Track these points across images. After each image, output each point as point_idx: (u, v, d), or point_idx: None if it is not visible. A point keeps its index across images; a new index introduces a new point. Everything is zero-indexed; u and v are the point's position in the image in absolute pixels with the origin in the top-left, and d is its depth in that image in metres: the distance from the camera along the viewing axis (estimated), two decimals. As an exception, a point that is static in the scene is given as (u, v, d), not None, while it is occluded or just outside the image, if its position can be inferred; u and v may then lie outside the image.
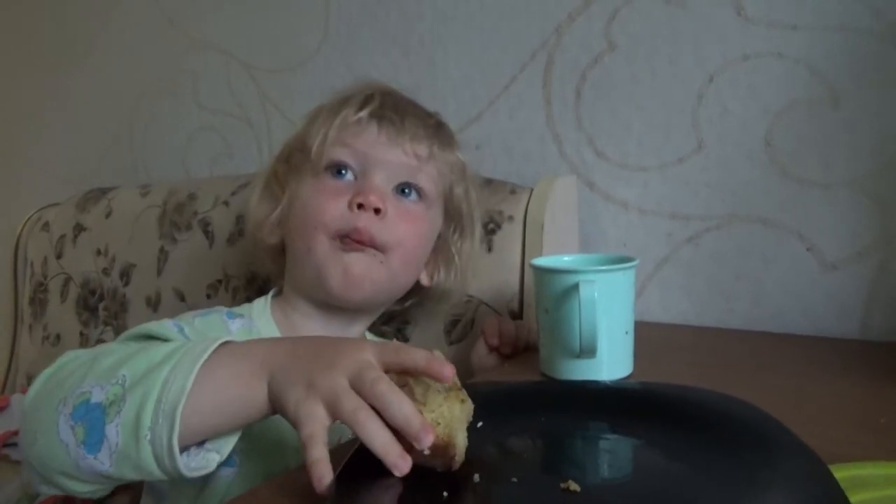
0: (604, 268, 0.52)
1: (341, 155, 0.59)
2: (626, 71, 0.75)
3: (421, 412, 0.35)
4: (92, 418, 0.39)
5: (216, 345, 0.40)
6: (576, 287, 0.50)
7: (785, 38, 0.67)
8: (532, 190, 0.73)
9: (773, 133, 0.69)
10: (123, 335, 0.50)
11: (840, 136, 0.66)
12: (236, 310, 0.60)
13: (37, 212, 1.13)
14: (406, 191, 0.60)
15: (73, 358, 0.44)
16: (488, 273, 0.71)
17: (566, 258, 0.60)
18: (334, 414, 0.36)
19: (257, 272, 0.82)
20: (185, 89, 1.13)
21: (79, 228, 1.03)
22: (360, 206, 0.57)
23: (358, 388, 0.36)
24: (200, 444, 0.41)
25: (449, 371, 0.36)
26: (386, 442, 0.34)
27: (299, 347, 0.41)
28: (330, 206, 0.57)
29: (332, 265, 0.57)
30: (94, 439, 0.38)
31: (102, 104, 1.24)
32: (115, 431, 0.38)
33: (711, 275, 0.72)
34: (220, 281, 0.86)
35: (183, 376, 0.38)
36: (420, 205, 0.61)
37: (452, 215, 0.66)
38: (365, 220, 0.56)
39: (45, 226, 1.08)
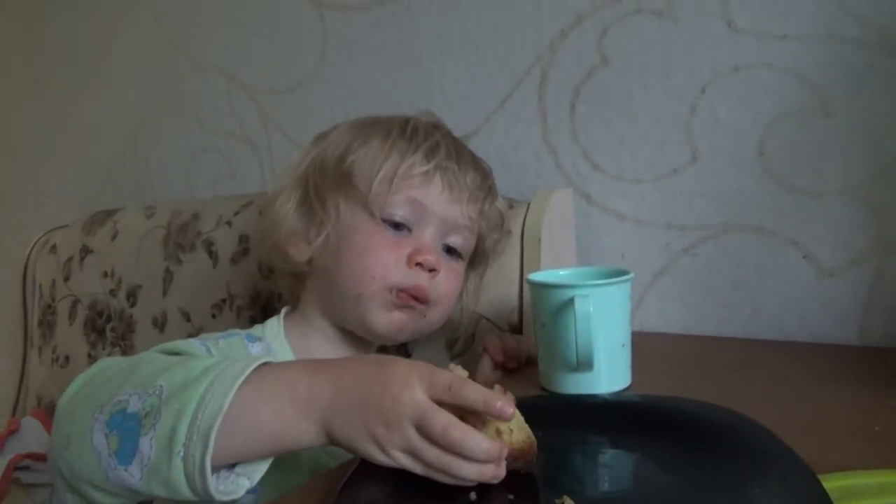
0: (598, 282, 0.53)
1: (405, 210, 0.59)
2: (619, 84, 0.76)
3: (497, 429, 0.37)
4: (127, 428, 0.38)
5: (255, 365, 0.40)
6: (571, 302, 0.50)
7: (775, 48, 0.68)
8: (529, 204, 0.74)
9: (766, 142, 0.69)
10: (158, 347, 0.49)
11: (832, 144, 0.66)
12: (253, 332, 0.61)
13: (44, 234, 1.14)
14: (449, 251, 0.62)
15: (111, 364, 0.44)
16: (487, 287, 0.72)
17: (562, 272, 0.60)
18: (419, 459, 0.37)
19: (261, 291, 0.84)
20: (188, 111, 1.14)
21: (85, 251, 1.05)
22: (418, 264, 0.58)
23: (428, 437, 0.37)
24: (231, 466, 0.40)
25: (509, 409, 0.37)
26: (476, 470, 0.36)
27: (342, 383, 0.39)
28: (390, 260, 0.58)
29: (380, 314, 0.59)
30: (126, 450, 0.38)
31: (107, 127, 1.26)
32: (148, 445, 0.38)
33: (709, 284, 0.73)
34: (224, 300, 0.87)
35: (221, 395, 0.38)
36: (461, 262, 0.64)
37: (473, 256, 0.67)
38: (423, 279, 0.58)
39: (53, 248, 1.10)
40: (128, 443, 0.38)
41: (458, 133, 0.67)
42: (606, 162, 0.78)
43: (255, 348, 0.58)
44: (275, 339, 0.61)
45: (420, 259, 0.58)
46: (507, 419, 0.37)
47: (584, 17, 0.78)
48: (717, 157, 0.72)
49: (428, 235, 0.60)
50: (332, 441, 0.39)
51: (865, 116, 0.65)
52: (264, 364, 0.41)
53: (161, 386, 0.39)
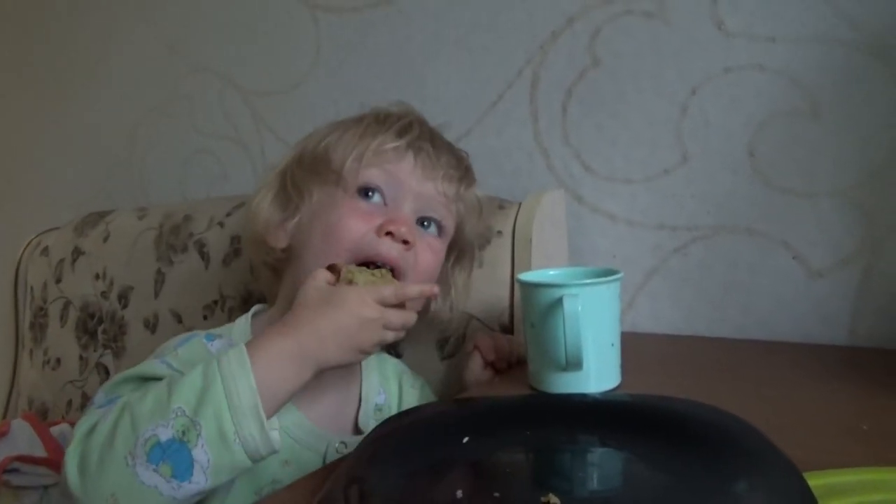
0: (587, 281, 0.53)
1: (377, 178, 0.58)
2: (610, 86, 0.77)
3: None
4: (173, 452, 0.43)
5: (244, 350, 0.47)
6: (560, 301, 0.50)
7: (765, 50, 0.68)
8: (520, 205, 0.74)
9: (757, 144, 0.70)
10: (118, 378, 0.50)
11: (822, 146, 0.67)
12: (215, 331, 0.60)
13: (36, 237, 1.14)
14: (426, 224, 0.61)
15: (92, 422, 0.45)
16: (479, 288, 0.71)
17: (552, 272, 0.60)
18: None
19: (253, 292, 0.83)
20: (182, 114, 1.14)
21: (77, 252, 1.04)
22: (388, 233, 0.56)
23: (393, 328, 0.51)
24: None
25: (437, 288, 0.56)
26: (413, 312, 0.53)
27: (321, 329, 0.48)
28: (359, 230, 0.56)
29: None
30: (182, 467, 0.43)
31: (102, 129, 1.26)
32: (202, 452, 0.43)
33: (700, 285, 0.73)
34: (216, 301, 0.86)
35: (243, 381, 0.45)
36: (439, 239, 0.62)
37: (456, 248, 0.66)
38: (395, 250, 0.56)
39: (45, 250, 1.09)
40: (181, 462, 0.43)
41: (450, 134, 0.67)
42: (598, 163, 0.78)
43: (214, 347, 0.58)
44: (240, 335, 0.60)
45: (391, 228, 0.56)
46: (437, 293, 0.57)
47: (575, 18, 0.78)
48: (707, 158, 0.72)
49: (404, 209, 0.59)
50: (326, 370, 0.49)
51: (856, 118, 0.65)
52: (248, 344, 0.48)
53: (179, 408, 0.44)
